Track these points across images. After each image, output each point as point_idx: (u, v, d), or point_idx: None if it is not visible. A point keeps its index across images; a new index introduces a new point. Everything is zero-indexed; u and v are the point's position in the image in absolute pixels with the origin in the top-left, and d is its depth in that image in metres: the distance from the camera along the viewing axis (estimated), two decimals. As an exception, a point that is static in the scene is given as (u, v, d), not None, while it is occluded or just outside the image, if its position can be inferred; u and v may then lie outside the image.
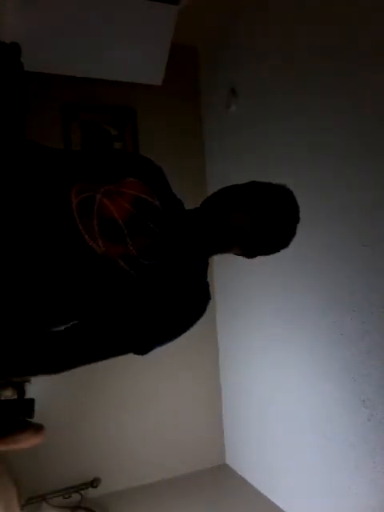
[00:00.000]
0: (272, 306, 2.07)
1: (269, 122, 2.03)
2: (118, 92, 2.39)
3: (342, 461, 1.67)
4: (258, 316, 2.20)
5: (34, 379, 2.09)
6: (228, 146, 2.38)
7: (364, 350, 1.54)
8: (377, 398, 1.50)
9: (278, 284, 2.01)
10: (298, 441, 1.94)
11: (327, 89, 1.66)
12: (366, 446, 1.56)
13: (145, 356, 0.85)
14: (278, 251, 0.97)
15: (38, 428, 1.46)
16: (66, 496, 2.17)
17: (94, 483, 2.25)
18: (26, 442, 1.41)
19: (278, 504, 2.08)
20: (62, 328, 0.83)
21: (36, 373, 0.84)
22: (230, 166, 2.35)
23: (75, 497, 2.19)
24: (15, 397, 1.94)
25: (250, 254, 0.96)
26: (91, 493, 2.24)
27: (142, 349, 0.84)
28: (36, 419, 1.61)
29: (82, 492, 2.21)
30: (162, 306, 0.82)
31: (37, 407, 1.70)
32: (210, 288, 0.95)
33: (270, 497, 2.15)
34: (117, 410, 2.36)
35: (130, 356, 0.86)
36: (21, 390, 2.01)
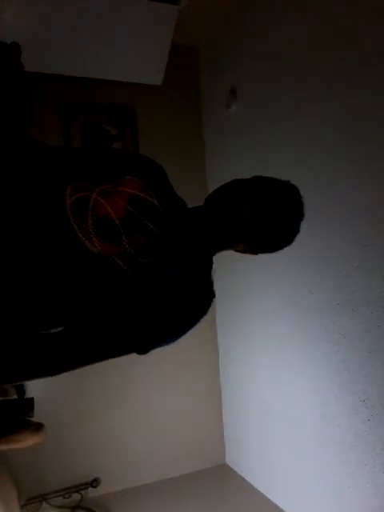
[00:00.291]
0: (272, 305, 2.07)
1: (269, 122, 2.03)
2: (118, 92, 2.39)
3: (342, 461, 1.67)
4: (258, 316, 2.20)
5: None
6: (228, 145, 2.38)
7: (364, 350, 1.54)
8: (377, 398, 1.50)
9: (277, 284, 2.01)
10: (297, 441, 1.94)
11: (327, 89, 1.66)
12: (366, 446, 1.55)
13: (145, 355, 0.84)
14: (282, 248, 0.96)
15: (38, 427, 1.46)
16: (66, 496, 2.17)
17: (93, 483, 2.25)
18: (26, 441, 1.41)
19: (277, 504, 2.08)
20: (60, 329, 0.82)
21: (33, 377, 0.83)
22: (230, 165, 2.36)
23: (75, 497, 2.19)
24: (15, 396, 1.94)
25: (255, 249, 0.95)
26: (91, 493, 2.24)
27: (142, 348, 0.83)
28: (36, 418, 1.61)
29: (82, 492, 2.21)
30: (163, 303, 0.81)
31: (37, 407, 1.70)
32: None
33: (269, 497, 2.15)
34: (117, 409, 2.36)
35: (132, 356, 0.86)
36: (21, 390, 2.01)
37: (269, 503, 2.11)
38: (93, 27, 2.01)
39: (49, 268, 0.76)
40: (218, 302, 2.46)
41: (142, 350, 0.83)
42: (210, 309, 0.88)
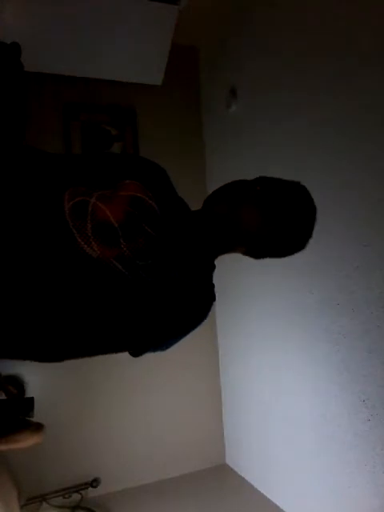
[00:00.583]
0: (272, 305, 2.07)
1: (269, 121, 2.04)
2: (118, 92, 2.39)
3: (342, 461, 1.67)
4: (257, 316, 2.20)
5: (33, 379, 2.09)
6: (228, 145, 2.38)
7: (364, 350, 1.54)
8: (377, 398, 1.50)
9: (277, 284, 2.01)
10: (297, 441, 1.94)
11: (327, 89, 1.66)
12: (366, 446, 1.56)
13: (138, 357, 0.83)
14: (292, 254, 0.92)
15: (38, 427, 1.46)
16: (66, 496, 2.17)
17: (93, 483, 2.25)
18: (26, 441, 1.42)
19: (277, 504, 2.08)
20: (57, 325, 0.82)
21: (19, 357, 0.83)
22: (230, 165, 2.35)
23: (75, 497, 2.19)
24: (15, 396, 1.94)
25: (257, 254, 0.92)
26: (91, 493, 2.25)
27: (136, 349, 0.82)
28: (36, 418, 1.62)
29: (82, 492, 2.21)
30: (160, 306, 0.80)
31: (37, 407, 1.70)
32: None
33: (269, 497, 2.15)
34: (117, 409, 2.36)
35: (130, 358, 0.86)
36: (21, 389, 2.01)
37: (269, 503, 2.11)
38: (93, 27, 2.01)
39: (47, 272, 0.76)
40: (218, 303, 2.44)
41: (136, 352, 0.83)
42: (210, 310, 0.87)
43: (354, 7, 1.53)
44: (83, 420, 2.28)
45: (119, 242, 0.77)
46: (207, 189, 2.58)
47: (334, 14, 1.62)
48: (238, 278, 2.30)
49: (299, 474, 1.94)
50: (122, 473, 2.34)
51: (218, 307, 2.50)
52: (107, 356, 0.84)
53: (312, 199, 0.90)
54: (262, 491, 2.21)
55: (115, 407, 2.36)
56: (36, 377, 2.13)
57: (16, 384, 1.99)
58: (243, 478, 2.38)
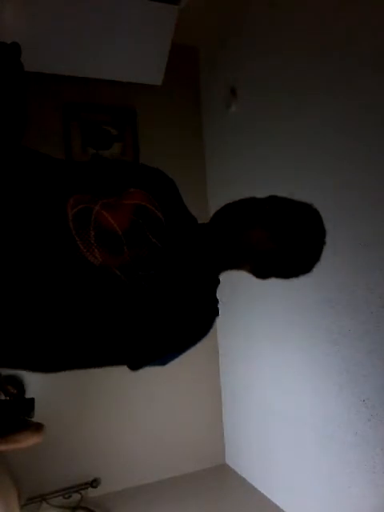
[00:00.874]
0: (272, 305, 2.07)
1: (269, 122, 2.03)
2: (118, 92, 2.39)
3: (342, 461, 1.67)
4: (258, 316, 2.20)
5: (33, 379, 2.09)
6: (228, 145, 2.38)
7: (364, 350, 1.54)
8: (377, 398, 1.50)
9: (277, 284, 2.00)
10: (297, 441, 1.94)
11: (327, 89, 1.66)
12: (366, 446, 1.56)
13: (136, 371, 0.81)
14: (298, 276, 0.90)
15: (38, 427, 1.46)
16: (66, 496, 2.17)
17: (93, 483, 2.25)
18: (26, 441, 1.42)
19: (277, 504, 2.08)
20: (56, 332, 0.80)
21: (21, 367, 0.82)
22: (230, 165, 2.35)
23: (75, 497, 2.19)
24: (15, 396, 1.94)
25: (261, 273, 0.90)
26: (91, 493, 2.25)
27: (134, 362, 0.80)
28: (36, 419, 1.62)
29: (82, 492, 2.21)
30: (161, 320, 0.78)
31: (37, 407, 1.70)
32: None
33: (269, 497, 2.15)
34: (117, 409, 2.36)
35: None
36: (21, 389, 2.01)
37: (269, 503, 2.11)
38: (93, 27, 2.01)
39: (48, 278, 0.75)
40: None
41: (134, 366, 0.81)
42: (213, 326, 0.85)
43: (354, 7, 1.53)
44: (83, 420, 2.28)
45: (123, 250, 0.75)
46: (207, 189, 2.58)
47: (334, 14, 1.62)
48: (238, 278, 2.30)
49: (299, 473, 1.94)
50: (121, 473, 2.34)
51: (218, 307, 2.49)
52: (105, 368, 0.82)
53: (322, 222, 0.87)
54: (262, 491, 2.21)
55: (115, 407, 2.36)
56: (36, 377, 2.13)
57: (16, 384, 1.99)
58: (243, 478, 2.38)
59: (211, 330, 0.90)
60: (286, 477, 2.04)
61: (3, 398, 1.88)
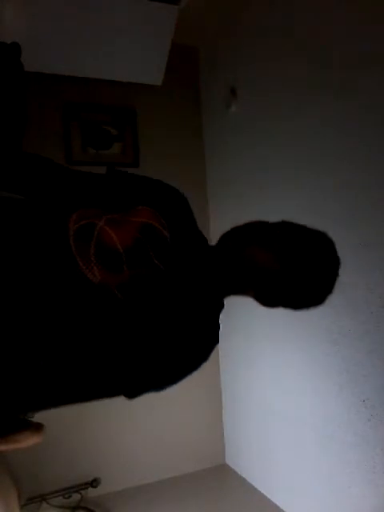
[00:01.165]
0: (272, 305, 2.06)
1: (269, 122, 2.04)
2: (118, 92, 2.39)
3: (342, 461, 1.67)
4: (258, 316, 2.20)
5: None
6: (228, 146, 2.38)
7: (364, 350, 1.54)
8: (377, 398, 1.50)
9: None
10: (297, 441, 1.94)
11: (327, 88, 1.66)
12: (366, 446, 1.56)
13: (132, 400, 0.77)
14: (308, 308, 0.86)
15: (38, 427, 1.46)
16: (66, 496, 2.17)
17: (93, 483, 2.25)
18: (26, 441, 1.41)
19: (277, 504, 2.08)
20: (46, 363, 0.76)
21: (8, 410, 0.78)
22: (230, 165, 2.35)
23: (75, 497, 2.19)
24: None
25: (268, 301, 0.85)
26: (91, 493, 2.24)
27: (131, 391, 0.76)
28: (36, 419, 1.61)
29: (82, 492, 2.21)
30: (160, 345, 0.75)
31: (37, 407, 1.69)
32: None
33: (269, 497, 2.15)
34: (117, 409, 2.36)
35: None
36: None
37: (269, 503, 2.11)
38: (93, 27, 2.01)
39: (44, 295, 0.72)
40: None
41: (131, 394, 0.77)
42: (211, 353, 0.82)
43: (354, 7, 1.53)
44: (83, 420, 2.28)
45: (122, 269, 0.73)
46: (207, 189, 2.57)
47: (334, 14, 1.62)
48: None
49: (299, 473, 1.94)
50: (122, 473, 2.34)
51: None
52: (100, 400, 0.79)
53: (336, 253, 0.84)
54: (262, 491, 2.21)
55: (115, 407, 2.36)
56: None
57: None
58: (243, 478, 2.38)
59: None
60: (286, 477, 2.04)
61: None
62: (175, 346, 0.76)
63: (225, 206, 2.39)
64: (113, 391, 0.78)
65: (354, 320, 1.58)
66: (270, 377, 2.12)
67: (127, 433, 2.38)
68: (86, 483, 2.24)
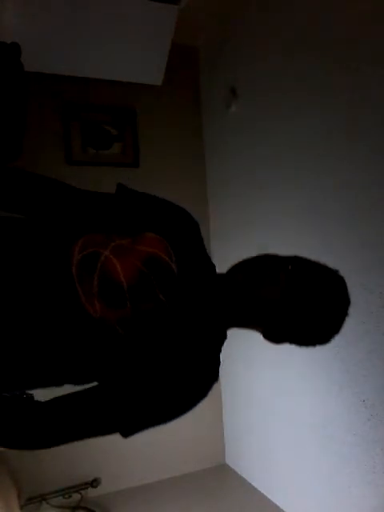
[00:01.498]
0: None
1: (269, 122, 2.03)
2: (118, 92, 2.39)
3: (342, 461, 1.67)
4: (257, 316, 2.20)
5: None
6: (228, 145, 2.38)
7: (364, 350, 1.54)
8: (377, 397, 1.50)
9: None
10: (297, 441, 1.94)
11: (327, 88, 1.66)
12: (366, 446, 1.56)
13: (127, 438, 0.76)
14: (314, 345, 0.84)
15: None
16: (66, 496, 2.17)
17: (93, 483, 2.25)
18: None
19: (277, 504, 2.08)
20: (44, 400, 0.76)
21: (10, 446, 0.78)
22: (230, 165, 2.35)
23: (75, 497, 2.19)
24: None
25: (274, 337, 0.84)
26: (91, 493, 2.24)
27: (127, 429, 0.75)
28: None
29: (82, 492, 2.20)
30: (158, 382, 0.73)
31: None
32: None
33: (269, 497, 2.15)
34: (117, 409, 2.36)
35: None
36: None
37: (269, 503, 2.11)
38: (93, 27, 2.01)
39: (48, 330, 0.72)
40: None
41: (126, 432, 0.75)
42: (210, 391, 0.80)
43: (354, 7, 1.53)
44: (83, 420, 2.28)
45: (125, 304, 0.71)
46: (207, 189, 2.57)
47: (334, 14, 1.62)
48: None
49: (299, 473, 1.94)
50: (121, 473, 2.34)
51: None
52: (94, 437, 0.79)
53: (347, 293, 0.81)
54: (262, 491, 2.21)
55: (115, 407, 2.36)
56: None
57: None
58: (243, 478, 2.38)
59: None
60: (286, 477, 2.04)
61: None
62: (174, 385, 0.74)
63: (225, 206, 2.39)
64: (107, 429, 0.77)
65: (354, 320, 1.57)
66: (270, 377, 2.12)
67: (127, 433, 2.37)
68: (86, 483, 2.24)
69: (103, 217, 0.84)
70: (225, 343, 0.86)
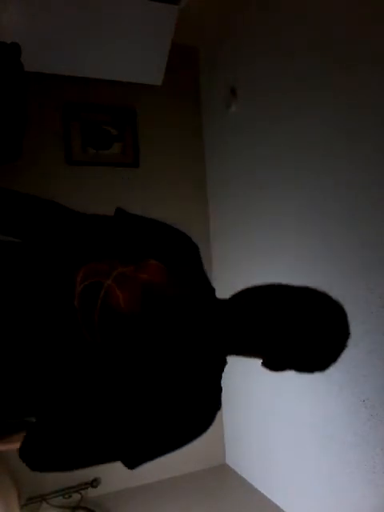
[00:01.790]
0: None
1: (269, 122, 2.04)
2: (118, 92, 2.39)
3: (342, 461, 1.67)
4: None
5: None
6: (228, 145, 2.38)
7: (364, 350, 1.54)
8: (377, 397, 1.50)
9: (277, 284, 2.01)
10: (297, 441, 1.94)
11: (327, 88, 1.67)
12: (366, 446, 1.56)
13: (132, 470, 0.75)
14: (312, 372, 0.86)
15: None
16: (66, 496, 2.17)
17: (93, 483, 2.25)
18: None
19: (278, 504, 2.08)
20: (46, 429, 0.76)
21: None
22: (230, 165, 2.35)
23: (75, 497, 2.19)
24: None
25: (275, 367, 0.84)
26: (91, 493, 2.24)
27: (131, 461, 0.75)
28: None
29: (82, 492, 2.20)
30: (162, 413, 0.74)
31: (37, 407, 1.69)
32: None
33: (269, 497, 2.15)
34: (117, 409, 2.36)
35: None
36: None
37: (269, 503, 2.11)
38: (93, 27, 2.01)
39: (43, 356, 0.72)
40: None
41: (131, 464, 0.76)
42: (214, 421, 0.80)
43: (354, 7, 1.53)
44: (83, 420, 2.28)
45: (126, 334, 0.72)
46: (207, 189, 2.57)
47: (333, 14, 1.62)
48: (238, 278, 2.30)
49: (299, 473, 1.94)
50: (122, 473, 2.31)
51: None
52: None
53: (348, 327, 0.83)
54: (263, 491, 2.21)
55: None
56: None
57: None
58: (243, 478, 2.38)
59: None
60: (286, 477, 2.04)
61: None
62: (177, 416, 0.75)
63: (225, 206, 2.39)
64: (110, 458, 0.78)
65: (354, 320, 1.57)
66: (270, 377, 2.11)
67: (127, 433, 2.37)
68: (86, 483, 2.24)
69: (103, 242, 0.85)
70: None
